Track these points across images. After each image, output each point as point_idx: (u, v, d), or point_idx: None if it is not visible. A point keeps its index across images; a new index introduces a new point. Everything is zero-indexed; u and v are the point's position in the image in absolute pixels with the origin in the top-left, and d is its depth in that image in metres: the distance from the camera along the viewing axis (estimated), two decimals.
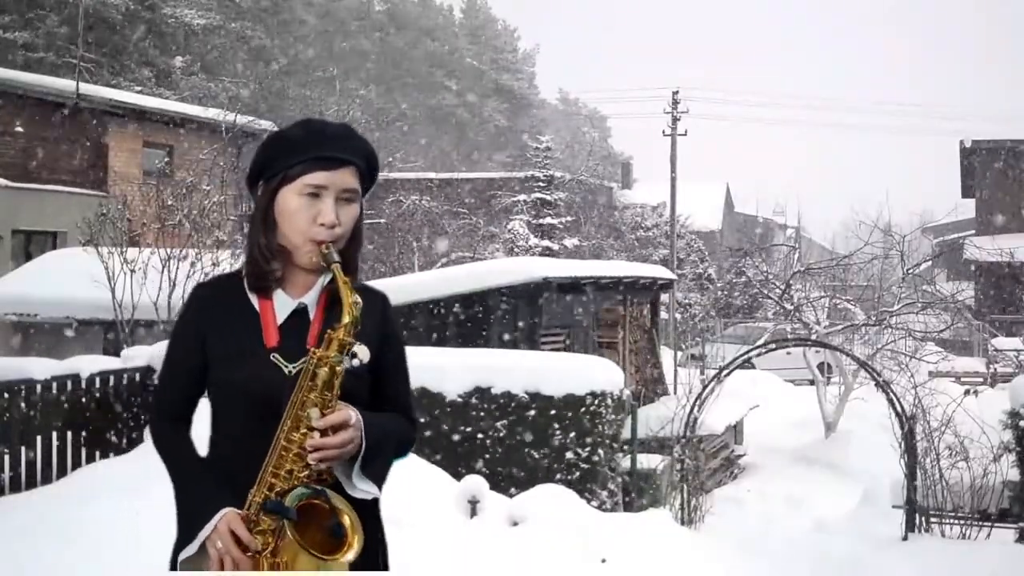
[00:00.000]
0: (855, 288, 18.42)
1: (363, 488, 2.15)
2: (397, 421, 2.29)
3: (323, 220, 2.16)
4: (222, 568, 2.08)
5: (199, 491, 2.15)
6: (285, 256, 2.23)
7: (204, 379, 2.24)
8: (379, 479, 2.19)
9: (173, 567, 2.20)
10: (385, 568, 2.31)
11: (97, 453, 7.50)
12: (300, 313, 2.22)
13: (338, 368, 2.09)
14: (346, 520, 2.08)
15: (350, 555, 2.05)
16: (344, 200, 2.20)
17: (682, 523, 8.15)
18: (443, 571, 5.69)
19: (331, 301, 2.21)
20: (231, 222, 14.80)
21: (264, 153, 2.25)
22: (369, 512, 2.21)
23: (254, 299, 2.23)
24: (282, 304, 2.23)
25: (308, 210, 2.17)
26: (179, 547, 2.16)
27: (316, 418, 2.07)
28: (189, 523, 2.13)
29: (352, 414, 2.11)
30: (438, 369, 8.51)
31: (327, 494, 2.09)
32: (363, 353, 2.11)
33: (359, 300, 2.14)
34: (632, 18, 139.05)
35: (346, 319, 2.11)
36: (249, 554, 2.06)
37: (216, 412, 2.24)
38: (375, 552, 2.26)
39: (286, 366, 2.15)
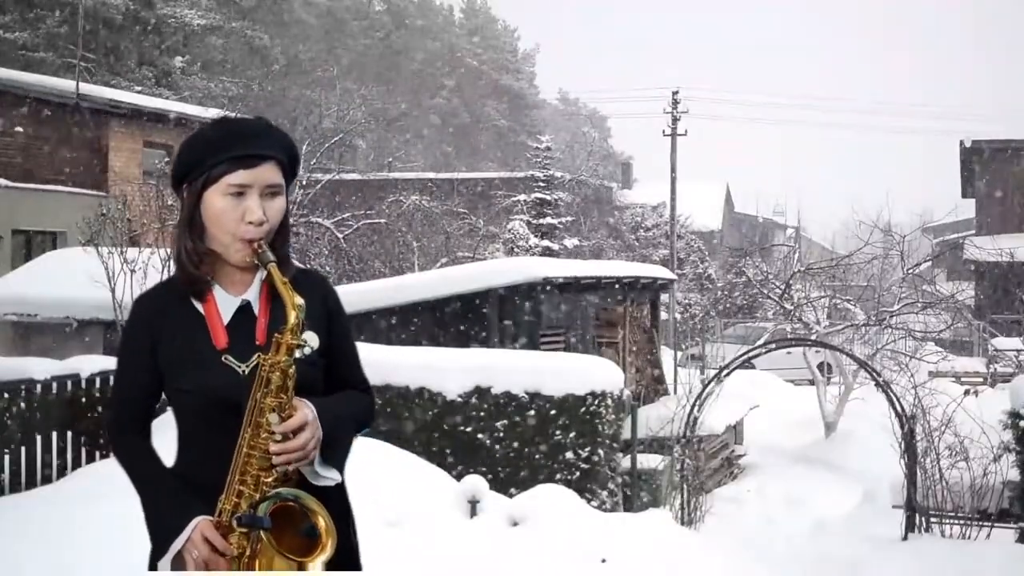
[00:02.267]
0: (855, 288, 18.42)
1: (325, 476, 2.18)
2: (352, 400, 2.31)
3: (250, 218, 2.17)
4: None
5: (167, 500, 2.16)
6: (215, 257, 2.22)
7: (158, 388, 2.24)
8: (340, 464, 2.21)
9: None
10: (356, 553, 2.31)
11: (97, 453, 7.49)
12: (244, 310, 2.23)
13: (290, 371, 2.11)
14: (320, 522, 2.10)
15: (324, 556, 2.07)
16: (269, 195, 2.20)
17: (682, 523, 8.15)
18: (443, 571, 5.69)
19: (273, 294, 2.22)
20: None
21: (184, 156, 2.24)
22: (336, 502, 2.22)
23: (196, 303, 2.23)
24: (225, 304, 2.23)
25: (234, 210, 2.17)
26: (155, 557, 2.16)
27: (275, 423, 2.08)
28: (161, 533, 2.13)
29: (308, 412, 2.13)
30: (438, 369, 8.51)
31: (299, 497, 2.11)
32: (313, 340, 2.13)
33: (302, 301, 2.14)
34: (632, 18, 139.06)
35: (291, 321, 2.12)
36: (226, 557, 2.08)
37: (178, 419, 2.24)
38: (347, 543, 2.27)
39: (239, 366, 2.15)
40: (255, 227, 2.17)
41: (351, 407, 2.30)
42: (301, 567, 2.06)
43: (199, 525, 2.09)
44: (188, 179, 2.22)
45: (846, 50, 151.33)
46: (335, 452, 2.19)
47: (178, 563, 2.12)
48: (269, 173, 2.20)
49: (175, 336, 2.20)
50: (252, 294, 2.24)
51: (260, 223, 2.17)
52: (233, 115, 2.45)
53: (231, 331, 2.20)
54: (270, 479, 2.10)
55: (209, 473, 2.14)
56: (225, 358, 2.16)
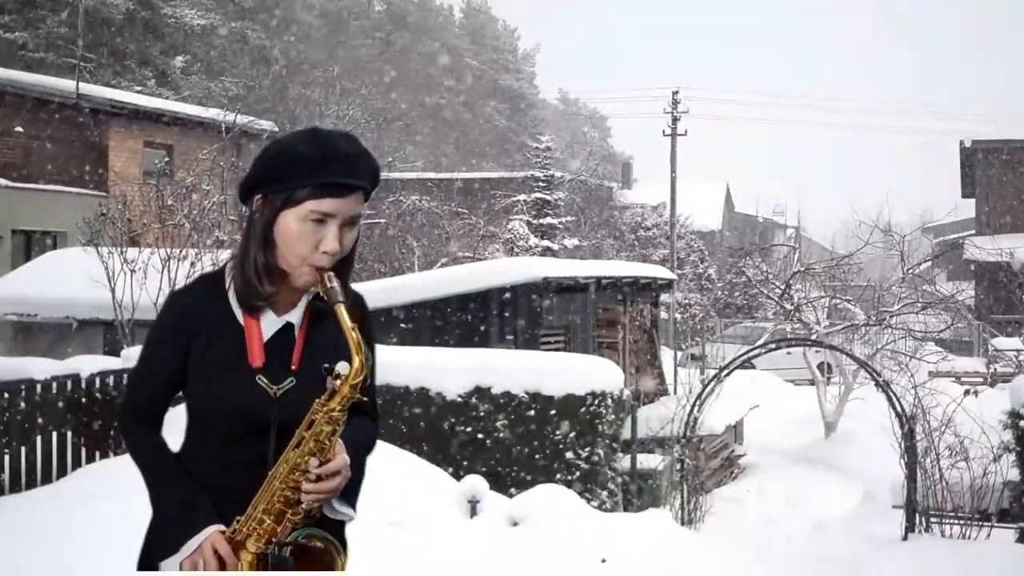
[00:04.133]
0: (855, 288, 18.41)
1: (342, 511, 2.17)
2: (365, 430, 2.27)
3: (326, 248, 2.07)
4: None
5: (182, 502, 2.12)
6: (283, 277, 2.14)
7: (179, 385, 2.20)
8: (355, 502, 2.21)
9: (144, 567, 2.19)
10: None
11: (97, 453, 7.50)
12: (285, 330, 2.17)
13: (341, 419, 2.07)
14: (339, 566, 2.11)
15: None
16: (348, 224, 2.11)
17: (682, 523, 8.15)
18: (443, 571, 5.69)
19: (315, 318, 2.18)
20: (231, 222, 14.80)
21: (266, 165, 2.11)
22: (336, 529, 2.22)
23: (238, 312, 2.15)
24: (268, 322, 2.16)
25: (311, 236, 2.07)
26: (156, 550, 2.14)
27: (314, 466, 2.05)
28: (170, 532, 2.11)
29: (345, 457, 2.10)
30: (438, 369, 8.52)
31: (335, 544, 2.11)
32: (344, 371, 2.09)
33: (367, 349, 2.09)
34: (632, 18, 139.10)
35: (355, 365, 2.05)
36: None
37: (193, 421, 2.20)
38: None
39: (271, 388, 2.11)
40: (329, 257, 2.08)
41: (364, 440, 2.26)
42: None
43: (211, 537, 2.07)
44: (266, 191, 2.10)
45: (846, 50, 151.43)
46: (352, 489, 2.18)
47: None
48: (355, 204, 2.10)
49: (210, 341, 2.14)
50: (296, 316, 2.18)
51: (335, 254, 2.09)
52: (325, 129, 2.23)
53: (268, 351, 2.14)
54: (297, 517, 2.09)
55: (213, 481, 2.13)
56: (259, 378, 2.11)
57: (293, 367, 2.14)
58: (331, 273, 2.09)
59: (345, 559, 2.14)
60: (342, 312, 2.06)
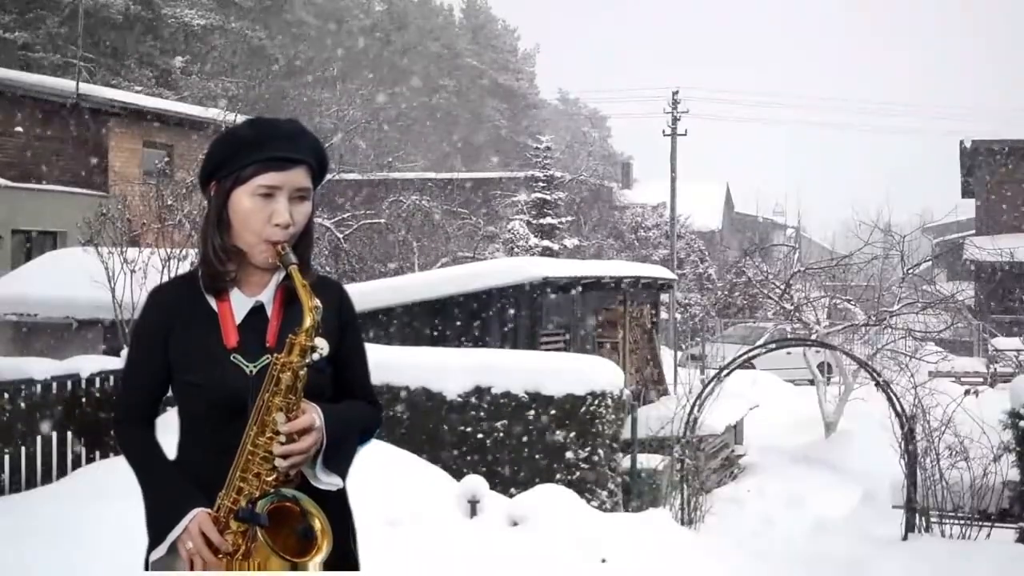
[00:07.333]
0: (855, 288, 18.42)
1: (327, 481, 2.18)
2: (358, 409, 2.32)
3: (277, 221, 2.17)
4: (192, 568, 2.09)
5: (168, 492, 2.16)
6: (240, 256, 2.23)
7: (167, 381, 2.25)
8: (342, 471, 2.22)
9: (147, 569, 2.21)
10: (354, 556, 2.31)
11: (97, 453, 7.50)
12: (257, 311, 2.24)
13: (301, 372, 2.11)
14: (316, 524, 2.10)
15: (319, 557, 2.08)
16: (297, 199, 2.21)
17: (682, 523, 8.15)
18: (443, 571, 5.69)
19: (288, 297, 2.23)
20: None
21: (215, 153, 2.24)
22: (335, 505, 2.22)
23: (211, 300, 2.23)
24: (239, 303, 2.24)
25: (262, 211, 2.17)
26: (151, 549, 2.16)
27: (281, 423, 2.08)
28: (159, 524, 2.14)
29: (315, 417, 2.13)
30: (438, 369, 8.52)
31: (299, 498, 2.11)
32: (323, 347, 2.14)
33: (319, 304, 2.14)
34: (632, 18, 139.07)
35: (307, 323, 2.12)
36: (220, 556, 2.08)
37: (182, 414, 2.25)
38: (345, 541, 2.27)
39: (247, 366, 2.17)
40: (282, 229, 2.18)
41: (357, 416, 2.30)
42: (295, 567, 2.06)
43: (197, 517, 2.10)
44: (217, 176, 2.23)
45: (846, 50, 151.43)
46: (339, 458, 2.20)
47: (172, 556, 2.11)
48: (299, 177, 2.21)
49: (187, 330, 2.21)
50: (267, 296, 2.25)
51: (287, 226, 2.18)
52: (266, 116, 2.44)
53: (242, 331, 2.21)
54: (271, 478, 2.10)
55: (209, 471, 2.15)
56: (234, 357, 2.17)
57: (268, 344, 2.19)
58: (285, 243, 2.19)
59: (323, 525, 2.11)
60: (295, 272, 2.15)
